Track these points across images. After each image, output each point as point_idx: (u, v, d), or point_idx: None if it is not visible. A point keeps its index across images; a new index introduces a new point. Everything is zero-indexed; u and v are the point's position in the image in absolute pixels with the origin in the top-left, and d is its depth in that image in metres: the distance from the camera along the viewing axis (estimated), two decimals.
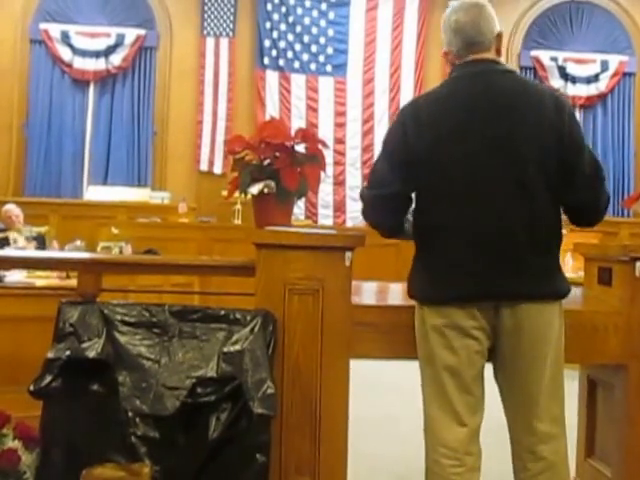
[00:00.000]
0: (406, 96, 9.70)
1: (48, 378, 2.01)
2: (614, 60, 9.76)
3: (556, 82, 9.52)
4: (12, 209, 6.21)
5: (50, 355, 2.04)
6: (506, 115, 2.00)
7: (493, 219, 1.97)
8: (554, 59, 9.67)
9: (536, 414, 2.03)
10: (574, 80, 9.63)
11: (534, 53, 9.66)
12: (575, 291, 2.44)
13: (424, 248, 2.09)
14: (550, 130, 2.00)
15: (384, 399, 4.59)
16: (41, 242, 5.94)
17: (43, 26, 9.16)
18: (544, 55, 9.67)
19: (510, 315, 1.99)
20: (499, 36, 2.12)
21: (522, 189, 1.97)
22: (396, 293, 3.14)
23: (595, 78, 9.70)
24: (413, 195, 2.12)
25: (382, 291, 3.27)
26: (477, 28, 2.09)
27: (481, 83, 2.05)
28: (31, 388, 2.00)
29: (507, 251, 1.97)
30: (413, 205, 2.14)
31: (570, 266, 3.93)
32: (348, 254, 2.24)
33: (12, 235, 5.77)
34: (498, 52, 2.14)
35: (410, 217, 2.16)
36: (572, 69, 9.64)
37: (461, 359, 2.02)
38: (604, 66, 9.73)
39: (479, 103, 2.02)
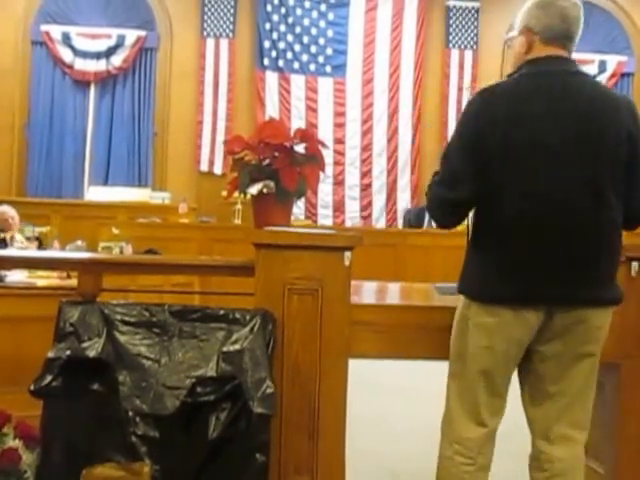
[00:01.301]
0: (405, 96, 9.72)
1: (48, 378, 2.02)
2: (612, 60, 9.76)
3: None
4: (7, 211, 6.18)
5: (50, 355, 2.05)
6: (586, 119, 1.97)
7: (560, 222, 1.94)
8: None
9: (565, 419, 2.03)
10: None
11: None
12: None
13: (485, 245, 2.03)
14: (627, 136, 1.98)
15: (381, 398, 4.60)
16: (39, 242, 5.94)
17: (44, 27, 9.18)
18: None
19: (563, 319, 1.97)
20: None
21: (597, 196, 1.95)
22: (395, 292, 3.15)
23: (594, 78, 9.71)
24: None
25: (381, 291, 3.28)
26: (578, 24, 2.09)
27: (555, 84, 2.01)
28: (31, 388, 2.01)
29: (572, 256, 1.95)
30: None
31: None
32: (347, 254, 2.25)
33: (8, 236, 5.76)
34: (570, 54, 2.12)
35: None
36: None
37: (498, 361, 2.01)
38: (602, 66, 9.74)
39: (559, 104, 1.97)
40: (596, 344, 2.04)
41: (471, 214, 2.11)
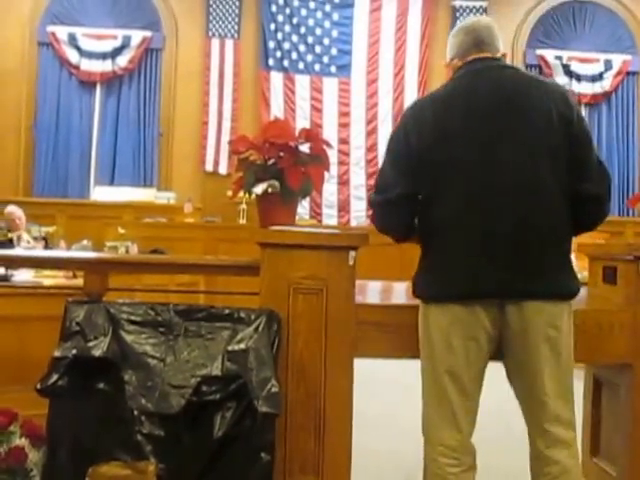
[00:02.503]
0: (410, 96, 9.69)
1: (55, 376, 2.03)
2: (618, 59, 9.73)
3: (561, 80, 9.49)
4: (14, 211, 6.22)
5: (57, 354, 2.06)
6: (512, 110, 1.99)
7: (497, 216, 1.95)
8: (558, 58, 9.66)
9: (546, 417, 2.02)
10: (579, 78, 9.61)
11: (539, 52, 9.65)
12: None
13: (428, 247, 2.09)
14: (559, 123, 1.99)
15: (387, 396, 4.60)
16: (46, 242, 5.96)
17: (50, 29, 9.21)
18: (549, 54, 9.66)
19: (516, 314, 1.97)
20: (504, 55, 2.16)
21: (531, 185, 1.96)
22: (400, 292, 3.15)
23: (599, 77, 9.69)
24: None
25: (386, 290, 3.28)
26: (490, 32, 2.14)
27: (483, 79, 2.05)
28: (38, 386, 2.02)
29: (514, 248, 1.95)
30: None
31: (574, 266, 3.91)
32: (352, 253, 2.25)
33: (15, 236, 5.78)
34: None
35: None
36: (576, 68, 9.63)
37: (459, 360, 2.01)
38: (608, 65, 9.71)
39: (482, 100, 2.01)
40: (556, 345, 2.00)
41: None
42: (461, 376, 2.02)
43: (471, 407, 2.05)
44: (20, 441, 2.18)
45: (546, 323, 1.98)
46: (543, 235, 1.98)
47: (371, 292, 3.02)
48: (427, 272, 2.09)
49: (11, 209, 6.28)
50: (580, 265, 2.75)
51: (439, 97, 2.12)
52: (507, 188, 1.96)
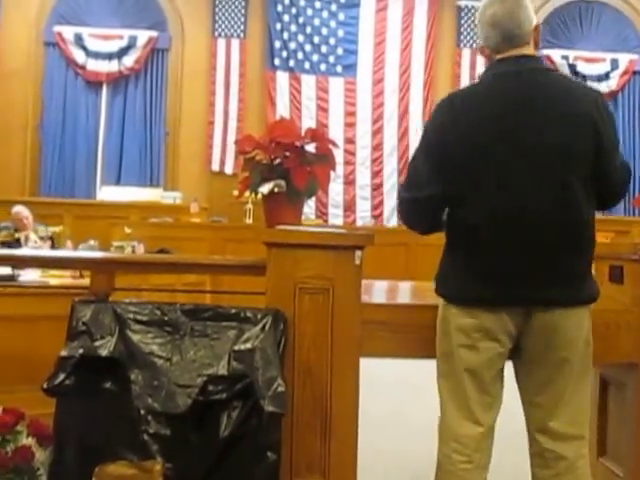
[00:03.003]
0: (415, 96, 9.70)
1: (61, 376, 2.03)
2: (624, 59, 9.71)
3: None
4: (22, 211, 6.25)
5: (63, 353, 2.06)
6: (550, 115, 1.95)
7: (530, 222, 1.94)
8: (565, 57, 9.64)
9: (559, 415, 2.02)
10: (585, 78, 9.58)
11: (545, 51, 9.62)
12: None
13: (456, 247, 2.06)
14: (592, 131, 1.96)
15: (393, 396, 4.60)
16: (52, 242, 5.98)
17: (57, 29, 9.24)
18: (555, 54, 9.64)
19: (541, 319, 1.97)
20: (536, 28, 2.06)
21: (565, 193, 1.94)
22: (406, 292, 3.15)
23: (606, 76, 9.66)
24: None
25: (392, 290, 3.28)
26: (516, 20, 2.02)
27: (522, 82, 2.00)
28: (45, 386, 2.02)
29: (543, 255, 1.95)
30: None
31: None
32: (358, 253, 2.25)
33: (23, 236, 5.80)
34: (536, 45, 2.08)
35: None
36: (582, 67, 9.61)
37: (482, 360, 2.01)
38: (614, 65, 9.69)
39: (522, 102, 1.96)
40: (575, 347, 2.02)
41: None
42: (482, 375, 2.02)
43: (492, 404, 2.06)
44: (27, 440, 2.18)
45: (572, 325, 2.00)
46: (573, 244, 1.97)
47: (377, 291, 3.02)
48: (454, 273, 2.06)
49: (18, 209, 6.31)
50: None
51: (476, 94, 2.06)
52: (540, 197, 1.94)
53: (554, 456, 2.03)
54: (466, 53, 9.72)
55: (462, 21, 9.77)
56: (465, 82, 9.66)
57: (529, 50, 2.05)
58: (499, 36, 2.03)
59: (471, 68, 9.67)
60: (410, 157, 2.16)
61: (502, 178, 1.95)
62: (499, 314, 1.98)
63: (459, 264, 2.05)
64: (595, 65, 9.66)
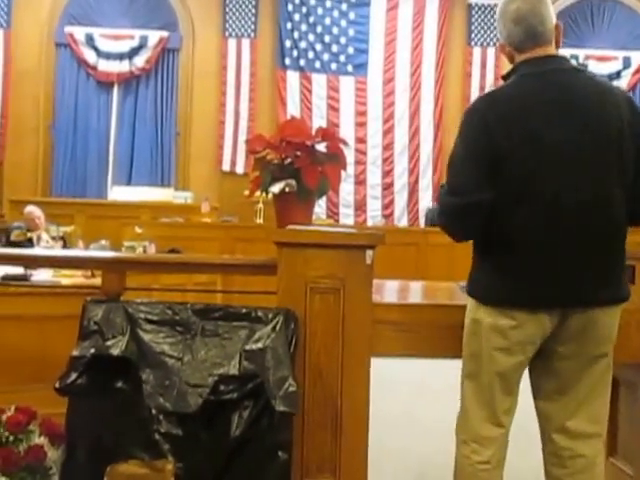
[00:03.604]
0: (427, 94, 9.68)
1: (73, 375, 2.03)
2: (636, 57, 9.64)
3: None
4: (34, 211, 6.29)
5: (75, 353, 2.06)
6: (587, 116, 1.94)
7: (570, 224, 1.93)
8: (575, 57, 9.58)
9: (581, 414, 2.02)
10: None
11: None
12: None
13: (498, 249, 2.00)
14: (628, 131, 1.95)
15: (404, 396, 4.58)
16: (64, 242, 6.01)
17: (68, 29, 9.28)
18: (565, 53, 9.52)
19: (577, 320, 1.97)
20: (557, 27, 2.05)
21: (602, 196, 1.94)
22: (417, 291, 3.14)
23: (617, 75, 9.59)
24: None
25: (403, 289, 3.27)
26: (539, 16, 2.01)
27: (558, 82, 1.98)
28: (57, 385, 2.02)
29: (585, 257, 1.94)
30: None
31: None
32: (369, 252, 2.24)
33: (35, 236, 5.84)
34: (557, 44, 2.07)
35: None
36: (593, 67, 9.53)
37: (514, 363, 2.01)
38: (626, 63, 9.62)
39: (561, 103, 1.94)
40: (610, 343, 2.04)
41: None
42: (511, 377, 2.03)
43: (512, 405, 2.07)
44: (39, 439, 2.19)
45: (608, 324, 2.00)
46: (610, 246, 1.98)
47: (388, 291, 3.01)
48: (494, 273, 2.02)
49: (30, 209, 6.35)
50: None
51: (509, 96, 2.01)
52: (583, 200, 1.93)
53: (571, 454, 2.03)
54: (477, 52, 9.68)
55: (473, 19, 9.74)
56: (476, 81, 9.64)
57: (552, 49, 2.05)
58: (523, 33, 2.01)
59: (482, 67, 9.64)
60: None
61: (542, 180, 1.93)
62: (538, 315, 1.96)
63: (500, 265, 2.00)
64: (606, 64, 9.59)
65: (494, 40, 9.62)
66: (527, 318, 1.96)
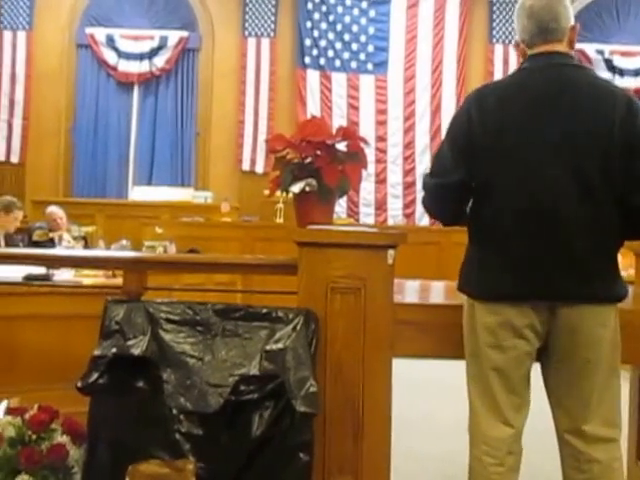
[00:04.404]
0: (448, 92, 9.62)
1: (95, 375, 2.04)
2: None
3: (602, 75, 9.31)
4: (56, 211, 6.35)
5: (97, 352, 2.07)
6: (576, 111, 1.95)
7: (554, 218, 1.93)
8: (600, 52, 9.47)
9: (589, 417, 1.99)
10: (622, 73, 9.41)
11: (579, 46, 9.45)
12: None
13: (480, 242, 2.06)
14: (620, 131, 1.93)
15: (423, 397, 4.56)
16: (85, 241, 6.06)
17: (89, 30, 9.35)
18: (589, 48, 9.46)
19: (566, 316, 1.95)
20: (574, 28, 2.07)
21: (586, 189, 1.93)
22: (439, 291, 3.12)
23: None
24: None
25: (424, 289, 3.24)
26: (553, 13, 2.03)
27: (551, 76, 2.00)
28: (78, 384, 2.03)
29: (567, 251, 1.93)
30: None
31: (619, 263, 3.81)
32: (390, 252, 2.22)
33: (57, 236, 5.89)
34: (571, 45, 2.08)
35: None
36: (619, 62, 9.42)
37: (509, 359, 2.00)
38: None
39: (548, 96, 1.97)
40: (603, 347, 1.99)
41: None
42: (510, 375, 2.01)
43: (520, 404, 2.04)
44: (61, 438, 2.20)
45: (596, 324, 1.97)
46: (596, 239, 1.95)
47: (409, 291, 2.99)
48: (475, 269, 2.06)
49: (52, 209, 6.41)
50: (625, 263, 2.68)
51: (505, 87, 2.08)
52: (564, 191, 1.93)
53: (587, 459, 2.00)
54: (499, 49, 9.61)
55: (494, 16, 9.66)
56: (498, 78, 9.55)
57: (562, 47, 2.05)
58: (534, 27, 2.04)
59: (504, 64, 9.55)
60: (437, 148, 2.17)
61: (524, 171, 1.95)
62: (522, 308, 1.96)
63: (480, 259, 2.05)
64: (632, 59, 9.45)
65: (515, 37, 9.52)
66: (512, 312, 1.97)
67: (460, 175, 2.03)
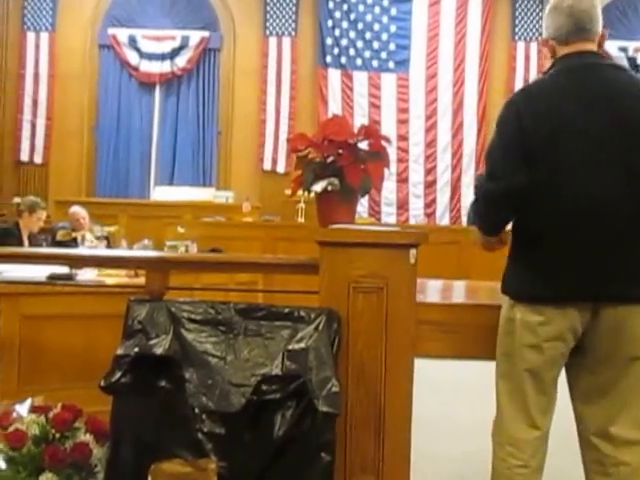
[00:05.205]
0: (470, 89, 9.56)
1: (117, 374, 2.05)
2: None
3: None
4: (79, 211, 6.40)
5: (119, 352, 2.08)
6: (621, 110, 1.96)
7: (602, 221, 1.93)
8: (623, 49, 9.35)
9: (621, 418, 1.98)
10: None
11: None
12: None
13: (529, 246, 2.04)
14: None
15: (443, 397, 4.52)
16: (108, 241, 6.10)
17: (111, 31, 9.42)
18: (612, 45, 9.33)
19: (609, 316, 1.95)
20: (603, 35, 2.11)
21: (634, 193, 1.93)
22: (461, 291, 3.10)
23: None
24: None
25: (446, 289, 3.23)
26: (590, 16, 2.09)
27: (594, 76, 2.02)
28: (101, 384, 2.04)
29: (614, 253, 1.94)
30: None
31: None
32: (412, 251, 2.21)
33: (80, 236, 5.93)
34: (599, 48, 2.11)
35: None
36: None
37: (545, 360, 1.99)
38: None
39: (594, 96, 1.98)
40: None
41: None
42: (543, 376, 2.01)
43: (548, 405, 2.04)
44: (85, 437, 2.21)
45: (637, 324, 1.95)
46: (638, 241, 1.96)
47: (431, 291, 2.97)
48: (524, 270, 2.04)
49: (75, 209, 6.46)
50: None
51: (550, 90, 2.06)
52: (614, 194, 1.93)
53: (615, 462, 1.98)
54: (521, 46, 9.52)
55: (517, 13, 9.58)
56: (520, 75, 9.48)
57: (594, 47, 2.09)
58: (573, 24, 2.07)
59: (526, 61, 9.48)
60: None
61: (575, 174, 1.95)
62: (566, 310, 1.96)
63: (526, 261, 2.04)
64: None
65: (538, 34, 9.45)
66: (555, 313, 1.96)
67: (520, 180, 1.98)
